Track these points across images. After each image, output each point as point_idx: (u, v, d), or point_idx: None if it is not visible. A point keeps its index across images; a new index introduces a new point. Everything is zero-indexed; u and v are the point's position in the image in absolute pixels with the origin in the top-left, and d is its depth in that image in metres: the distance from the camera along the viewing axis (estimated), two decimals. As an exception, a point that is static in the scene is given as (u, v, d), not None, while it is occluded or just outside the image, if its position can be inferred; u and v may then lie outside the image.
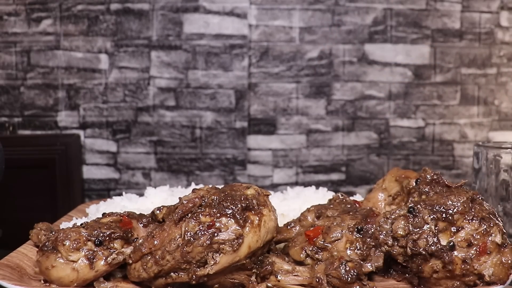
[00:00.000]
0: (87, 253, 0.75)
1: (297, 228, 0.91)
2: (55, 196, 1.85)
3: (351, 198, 0.99)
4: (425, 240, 0.72)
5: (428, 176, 0.84)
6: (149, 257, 0.75)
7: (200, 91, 2.06)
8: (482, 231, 0.72)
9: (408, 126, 2.17)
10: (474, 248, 0.71)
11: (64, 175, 1.87)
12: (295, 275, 0.78)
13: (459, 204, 0.74)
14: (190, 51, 2.05)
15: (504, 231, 0.74)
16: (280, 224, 0.90)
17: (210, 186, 0.84)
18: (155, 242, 0.75)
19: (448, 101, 2.17)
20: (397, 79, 2.15)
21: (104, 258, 0.76)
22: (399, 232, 0.75)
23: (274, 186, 2.11)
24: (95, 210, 1.18)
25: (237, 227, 0.74)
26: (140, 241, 0.77)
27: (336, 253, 0.77)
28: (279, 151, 2.11)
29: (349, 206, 0.90)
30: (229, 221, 0.74)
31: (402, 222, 0.76)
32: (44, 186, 1.85)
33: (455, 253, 0.72)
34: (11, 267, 0.80)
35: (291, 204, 1.15)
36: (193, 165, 2.08)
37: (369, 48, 2.13)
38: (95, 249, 0.76)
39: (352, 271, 0.74)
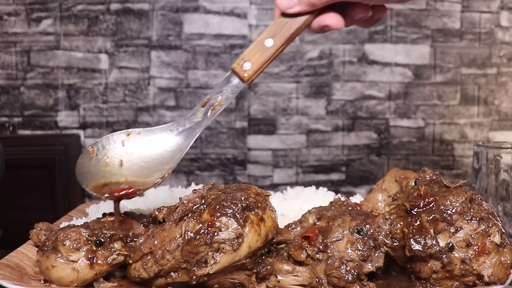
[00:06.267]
0: (87, 253, 0.76)
1: (298, 229, 0.91)
2: (55, 196, 1.85)
3: (351, 198, 0.99)
4: (423, 240, 0.73)
5: (427, 176, 0.84)
6: (149, 257, 0.75)
7: (200, 91, 2.06)
8: (481, 231, 0.72)
9: (408, 126, 2.17)
10: (473, 248, 0.71)
11: (64, 175, 1.87)
12: (295, 275, 0.78)
13: (458, 204, 0.74)
14: (190, 51, 2.05)
15: (504, 231, 0.74)
16: (281, 225, 0.90)
17: (209, 184, 0.84)
18: (155, 242, 0.76)
19: (448, 101, 2.17)
20: (397, 79, 2.15)
21: (104, 258, 0.76)
22: (397, 233, 0.75)
23: (274, 186, 2.11)
24: (95, 210, 1.18)
25: (237, 227, 0.74)
26: (140, 241, 0.78)
27: (337, 253, 0.78)
28: (279, 151, 2.11)
29: (350, 208, 0.90)
30: (229, 221, 0.74)
31: (401, 223, 0.76)
32: (44, 186, 1.86)
33: (454, 253, 0.72)
34: (11, 267, 0.80)
35: (291, 204, 1.15)
36: (193, 165, 2.08)
37: (369, 48, 2.13)
38: (96, 249, 0.76)
39: (353, 271, 0.74)
